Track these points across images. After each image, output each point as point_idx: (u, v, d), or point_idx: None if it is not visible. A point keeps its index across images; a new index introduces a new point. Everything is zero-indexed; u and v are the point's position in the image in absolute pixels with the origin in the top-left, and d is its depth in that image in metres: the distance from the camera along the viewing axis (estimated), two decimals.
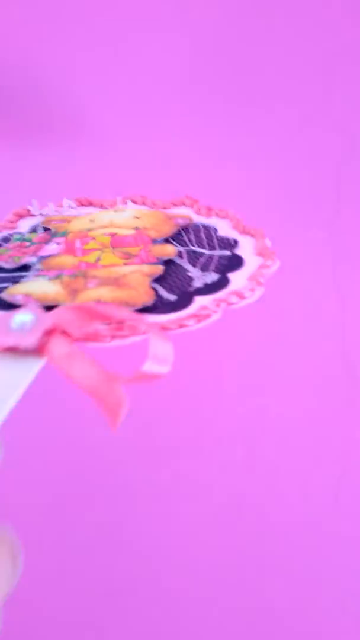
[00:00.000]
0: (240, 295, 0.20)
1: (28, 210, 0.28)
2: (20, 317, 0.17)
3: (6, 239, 0.25)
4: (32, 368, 0.16)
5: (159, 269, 0.22)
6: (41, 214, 0.28)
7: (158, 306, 0.19)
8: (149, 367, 0.16)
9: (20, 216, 0.28)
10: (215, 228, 0.26)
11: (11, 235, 0.26)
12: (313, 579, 0.31)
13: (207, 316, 0.18)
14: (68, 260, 0.23)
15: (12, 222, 0.27)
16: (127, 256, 0.23)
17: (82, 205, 0.30)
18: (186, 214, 0.28)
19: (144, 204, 0.30)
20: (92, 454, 0.30)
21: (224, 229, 0.26)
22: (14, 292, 0.20)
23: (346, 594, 0.31)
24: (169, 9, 0.39)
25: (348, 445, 0.32)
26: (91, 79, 0.38)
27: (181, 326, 0.18)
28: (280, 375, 0.33)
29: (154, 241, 0.24)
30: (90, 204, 0.29)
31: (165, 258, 0.23)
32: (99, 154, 0.37)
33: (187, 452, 0.31)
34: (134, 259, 0.23)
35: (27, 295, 0.20)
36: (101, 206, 0.29)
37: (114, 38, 0.39)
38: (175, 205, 0.30)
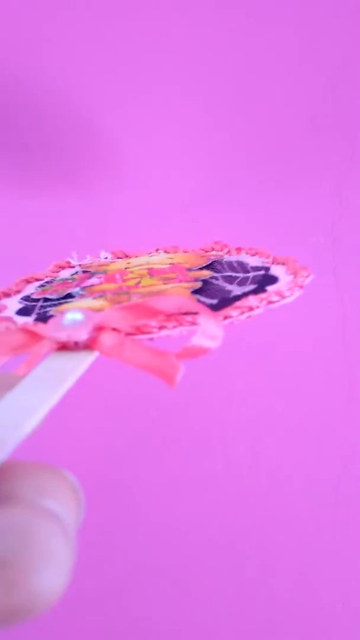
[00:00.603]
0: (280, 294, 0.20)
1: (68, 262, 0.30)
2: (72, 315, 0.18)
3: (49, 282, 0.27)
4: (83, 360, 0.16)
5: (198, 284, 0.22)
6: (80, 265, 0.29)
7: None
8: (199, 340, 0.16)
9: (61, 267, 0.29)
10: (246, 262, 0.27)
11: (54, 279, 0.27)
12: (314, 575, 0.30)
13: (251, 308, 0.19)
14: (110, 286, 0.24)
15: (53, 272, 0.29)
16: (166, 280, 0.24)
17: (118, 257, 0.32)
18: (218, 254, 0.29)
19: (175, 252, 0.32)
20: (98, 452, 0.30)
21: (256, 262, 0.27)
22: (61, 309, 0.21)
23: (348, 590, 0.30)
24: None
25: (348, 445, 0.31)
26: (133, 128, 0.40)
27: (226, 317, 0.18)
28: (282, 378, 0.32)
29: (189, 270, 0.25)
30: (126, 256, 0.31)
31: (203, 278, 0.24)
32: (135, 201, 0.39)
33: (192, 449, 0.30)
34: (173, 281, 0.23)
35: (73, 310, 0.21)
36: (136, 256, 0.31)
37: (151, 86, 0.41)
38: (206, 251, 0.31)
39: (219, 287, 0.22)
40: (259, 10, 0.35)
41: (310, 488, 0.32)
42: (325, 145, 0.40)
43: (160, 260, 0.28)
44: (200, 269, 0.26)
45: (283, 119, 0.40)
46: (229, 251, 0.30)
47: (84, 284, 0.25)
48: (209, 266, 0.26)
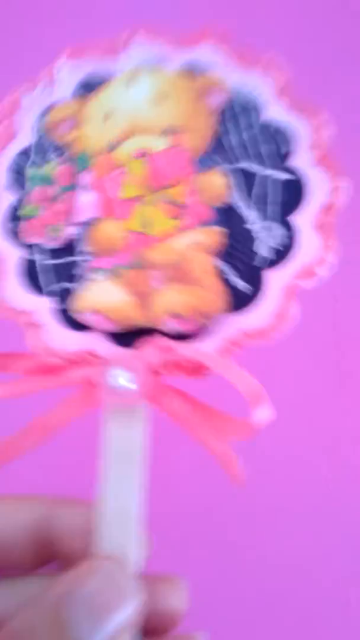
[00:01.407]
0: (310, 274, 0.19)
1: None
2: (122, 379, 0.18)
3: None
4: (140, 418, 0.19)
5: (218, 235, 0.20)
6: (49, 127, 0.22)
7: (233, 305, 0.19)
8: (259, 414, 0.18)
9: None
10: (256, 106, 0.21)
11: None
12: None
13: (284, 319, 0.19)
14: (113, 230, 0.20)
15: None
16: (175, 211, 0.20)
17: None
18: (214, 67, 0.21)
19: (155, 38, 0.22)
20: None
21: (270, 104, 0.21)
22: (81, 308, 0.20)
23: (346, 585, 0.33)
24: None
25: (336, 441, 0.33)
26: None
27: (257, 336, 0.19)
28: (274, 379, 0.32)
29: (199, 165, 0.20)
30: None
31: (218, 205, 0.20)
32: None
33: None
34: (186, 218, 0.20)
35: (96, 312, 0.20)
36: (103, 56, 0.22)
37: None
38: (198, 41, 0.22)
39: (241, 231, 0.19)
40: None
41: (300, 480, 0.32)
42: None
43: (148, 115, 0.21)
44: (208, 158, 0.20)
45: None
46: (230, 53, 0.21)
47: (78, 217, 0.20)
48: (216, 145, 0.20)
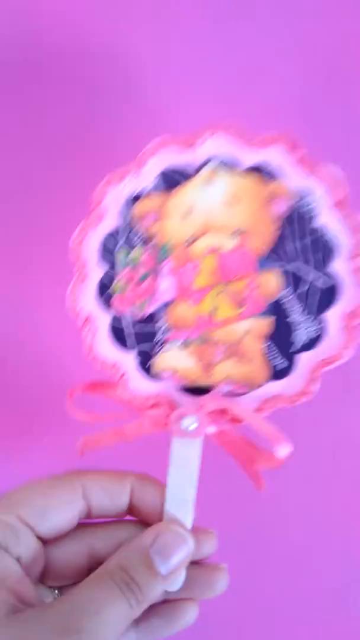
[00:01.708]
0: (333, 362, 0.26)
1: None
2: (188, 421, 0.26)
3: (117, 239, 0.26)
4: (198, 446, 0.27)
5: (268, 325, 0.26)
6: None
7: (271, 377, 0.26)
8: (281, 451, 0.26)
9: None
10: (313, 214, 0.25)
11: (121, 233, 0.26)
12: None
13: (307, 394, 0.26)
14: (186, 312, 0.26)
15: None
16: (239, 302, 0.26)
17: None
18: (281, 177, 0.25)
19: (231, 135, 0.25)
20: None
21: (324, 209, 0.25)
22: (161, 367, 0.26)
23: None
24: None
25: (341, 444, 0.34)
26: None
27: (293, 400, 0.26)
28: None
29: (260, 264, 0.25)
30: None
31: (272, 300, 0.26)
32: None
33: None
34: (246, 308, 0.26)
35: (173, 372, 0.26)
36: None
37: None
38: (271, 143, 0.25)
39: (286, 324, 0.26)
40: None
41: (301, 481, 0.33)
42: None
43: (222, 214, 0.25)
44: (269, 257, 0.25)
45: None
46: (298, 159, 0.25)
47: (159, 299, 0.26)
48: (277, 248, 0.25)
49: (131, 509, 0.29)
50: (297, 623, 0.33)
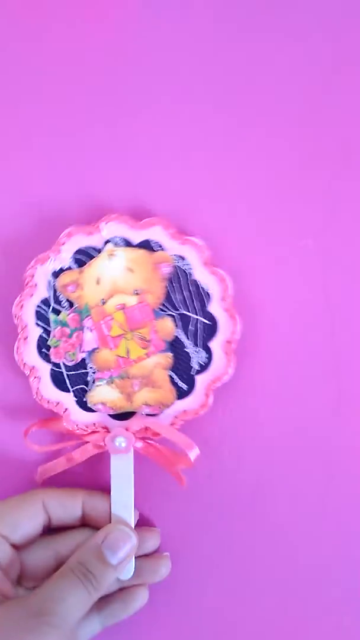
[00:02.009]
0: (220, 379, 0.34)
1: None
2: (119, 440, 0.34)
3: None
4: (129, 459, 0.35)
5: (169, 358, 0.34)
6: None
7: (177, 397, 0.35)
8: (192, 454, 0.34)
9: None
10: (189, 272, 0.35)
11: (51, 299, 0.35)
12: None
13: (205, 406, 0.34)
14: (108, 356, 0.34)
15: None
16: (145, 344, 0.34)
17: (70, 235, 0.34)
18: (163, 250, 0.35)
19: (123, 222, 0.34)
20: None
21: (195, 268, 0.35)
22: (94, 401, 0.34)
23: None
24: None
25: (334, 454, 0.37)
26: None
27: (187, 415, 0.35)
28: (269, 382, 0.38)
29: (156, 314, 0.34)
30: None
31: (170, 339, 0.34)
32: None
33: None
34: (151, 348, 0.34)
35: (104, 403, 0.34)
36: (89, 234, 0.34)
37: None
38: (151, 225, 0.34)
39: (182, 353, 0.34)
40: None
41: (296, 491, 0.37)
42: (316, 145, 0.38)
43: (124, 278, 0.34)
44: (163, 309, 0.34)
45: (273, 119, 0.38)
46: (172, 234, 0.34)
47: (86, 347, 0.34)
48: (167, 300, 0.34)
49: (85, 518, 0.36)
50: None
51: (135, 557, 0.35)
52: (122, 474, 0.35)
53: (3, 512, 0.34)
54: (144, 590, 0.37)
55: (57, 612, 0.30)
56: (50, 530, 0.36)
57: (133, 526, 0.35)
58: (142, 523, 0.37)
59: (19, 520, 0.34)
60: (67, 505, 0.35)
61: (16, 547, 0.34)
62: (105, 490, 0.36)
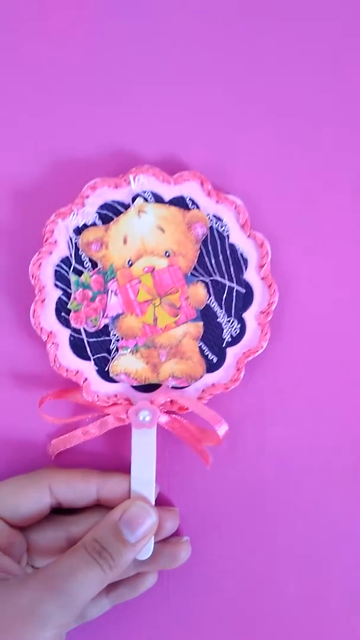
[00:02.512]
0: (253, 353, 0.32)
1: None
2: (144, 414, 0.31)
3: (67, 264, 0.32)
4: (153, 434, 0.33)
5: (200, 328, 0.32)
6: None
7: (207, 369, 0.32)
8: (220, 430, 0.32)
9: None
10: (225, 235, 0.32)
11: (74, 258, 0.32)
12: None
13: (236, 380, 0.32)
14: (133, 323, 0.32)
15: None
16: (175, 312, 0.31)
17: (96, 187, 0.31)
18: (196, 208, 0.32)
19: (154, 175, 0.31)
20: None
21: (233, 230, 0.32)
22: (116, 371, 0.32)
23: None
24: None
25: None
26: None
27: (221, 387, 0.32)
28: (299, 357, 0.35)
29: (187, 279, 0.31)
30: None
31: (201, 308, 0.32)
32: None
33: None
34: (181, 316, 0.31)
35: (127, 374, 0.32)
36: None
37: None
38: (185, 180, 0.31)
39: (214, 323, 0.32)
40: None
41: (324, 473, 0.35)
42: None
43: (155, 239, 0.31)
44: (194, 273, 0.31)
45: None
46: (208, 191, 0.31)
47: (110, 312, 0.31)
48: (199, 264, 0.32)
49: (101, 501, 0.33)
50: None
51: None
52: (144, 449, 0.33)
53: (4, 493, 0.32)
54: (153, 574, 0.35)
55: (66, 589, 0.28)
56: (62, 510, 0.34)
57: (153, 503, 0.33)
58: (160, 503, 0.35)
59: (20, 503, 0.32)
60: (78, 489, 0.33)
61: (20, 527, 0.32)
62: (122, 467, 0.34)
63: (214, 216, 0.32)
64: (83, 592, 0.28)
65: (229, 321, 0.32)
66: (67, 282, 0.32)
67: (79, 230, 0.32)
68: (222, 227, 0.32)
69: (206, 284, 0.32)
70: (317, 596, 0.36)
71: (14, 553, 0.32)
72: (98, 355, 0.33)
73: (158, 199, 0.32)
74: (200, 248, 0.32)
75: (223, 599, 0.36)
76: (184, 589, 0.36)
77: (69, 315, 0.32)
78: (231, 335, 0.32)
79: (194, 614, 0.36)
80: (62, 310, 0.32)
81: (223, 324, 0.32)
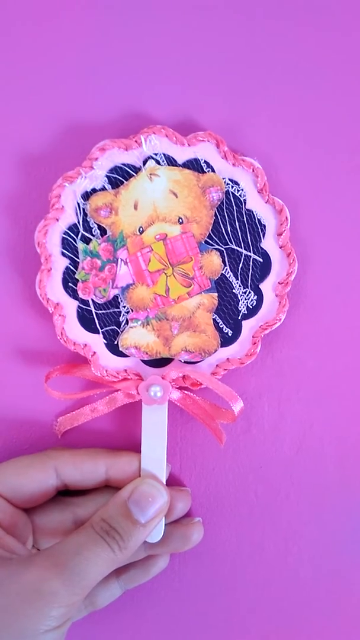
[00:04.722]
0: (270, 326, 0.30)
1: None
2: (155, 390, 0.30)
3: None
4: (164, 410, 0.31)
5: (214, 299, 0.30)
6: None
7: (221, 343, 0.30)
8: (235, 407, 0.30)
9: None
10: (242, 200, 0.30)
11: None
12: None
13: (252, 355, 0.30)
14: (144, 294, 0.30)
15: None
16: (188, 282, 0.30)
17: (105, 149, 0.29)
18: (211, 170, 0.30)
19: (166, 136, 0.29)
20: None
21: (250, 195, 0.30)
22: (126, 344, 0.30)
23: None
24: None
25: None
26: None
27: (236, 362, 0.30)
28: (318, 331, 0.34)
29: (201, 248, 0.30)
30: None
31: (215, 278, 0.30)
32: None
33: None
34: (194, 286, 0.30)
35: (137, 348, 0.30)
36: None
37: None
38: (199, 141, 0.29)
39: (229, 294, 0.30)
40: None
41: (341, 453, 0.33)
42: None
43: (167, 204, 0.29)
44: (208, 241, 0.29)
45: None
46: (224, 154, 0.29)
47: (119, 283, 0.29)
48: (214, 231, 0.30)
49: (110, 481, 0.32)
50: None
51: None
52: (154, 427, 0.31)
53: (7, 473, 0.31)
54: (165, 556, 0.33)
55: (72, 567, 0.27)
56: (69, 491, 0.32)
57: (164, 482, 0.32)
58: (171, 483, 0.34)
59: (24, 483, 0.30)
60: (86, 470, 0.31)
61: (25, 509, 0.31)
62: (131, 446, 0.32)
63: (230, 180, 0.30)
64: (90, 570, 0.27)
65: (245, 292, 0.31)
66: (75, 251, 0.30)
67: (87, 195, 0.30)
68: (238, 191, 0.30)
69: (221, 253, 0.30)
70: (331, 580, 0.34)
71: (18, 534, 0.30)
72: (107, 328, 0.31)
73: (171, 162, 0.30)
74: (215, 214, 0.30)
75: (236, 582, 0.34)
76: (196, 572, 0.34)
77: (76, 285, 0.30)
78: (247, 307, 0.31)
79: (206, 598, 0.34)
80: (69, 281, 0.30)
81: (239, 295, 0.31)
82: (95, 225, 0.30)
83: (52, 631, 0.26)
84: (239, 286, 0.31)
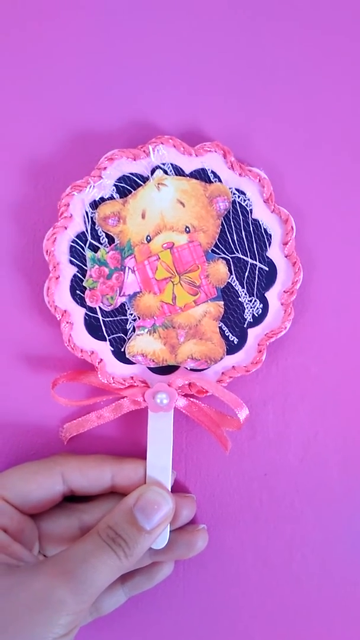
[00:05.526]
0: (275, 334, 0.30)
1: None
2: (161, 397, 0.30)
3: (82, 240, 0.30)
4: (170, 418, 0.31)
5: (221, 307, 0.30)
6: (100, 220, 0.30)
7: (227, 351, 0.31)
8: (241, 415, 0.30)
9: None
10: (248, 209, 0.30)
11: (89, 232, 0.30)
12: None
13: (258, 363, 0.31)
14: (151, 302, 0.30)
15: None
16: (194, 290, 0.30)
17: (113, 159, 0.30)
18: (218, 181, 0.30)
19: (174, 146, 0.30)
20: None
21: (256, 205, 0.30)
22: (133, 352, 0.30)
23: None
24: None
25: None
26: None
27: (240, 370, 0.31)
28: (323, 339, 0.34)
29: (207, 256, 0.30)
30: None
31: (222, 286, 0.30)
32: None
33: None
34: (201, 294, 0.30)
35: (144, 355, 0.30)
36: (134, 158, 0.29)
37: None
38: (207, 151, 0.30)
39: (235, 302, 0.30)
40: None
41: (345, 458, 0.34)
42: None
43: (174, 213, 0.29)
44: (215, 250, 0.30)
45: None
46: (230, 164, 0.29)
47: (126, 290, 0.30)
48: (220, 240, 0.30)
49: (117, 488, 0.32)
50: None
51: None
52: (160, 434, 0.32)
53: (15, 480, 0.31)
54: (169, 563, 0.33)
55: (78, 574, 0.27)
56: (75, 497, 0.32)
57: (169, 489, 0.32)
58: (176, 489, 0.34)
59: (31, 489, 0.31)
60: (92, 476, 0.32)
61: (31, 515, 0.31)
62: (137, 453, 0.33)
63: (237, 190, 0.30)
64: (97, 578, 0.27)
65: (250, 300, 0.31)
66: (83, 259, 0.31)
67: (95, 204, 0.30)
68: (245, 201, 0.30)
69: (227, 262, 0.31)
70: (335, 587, 0.34)
71: (25, 540, 0.31)
72: (114, 336, 0.31)
73: (178, 172, 0.30)
74: (221, 223, 0.30)
75: (240, 589, 0.34)
76: (201, 578, 0.34)
77: (84, 293, 0.31)
78: (253, 316, 0.31)
79: (211, 604, 0.35)
80: (77, 288, 0.31)
81: (245, 304, 0.31)
82: (104, 234, 0.31)
83: (60, 639, 0.26)
84: (245, 294, 0.31)
